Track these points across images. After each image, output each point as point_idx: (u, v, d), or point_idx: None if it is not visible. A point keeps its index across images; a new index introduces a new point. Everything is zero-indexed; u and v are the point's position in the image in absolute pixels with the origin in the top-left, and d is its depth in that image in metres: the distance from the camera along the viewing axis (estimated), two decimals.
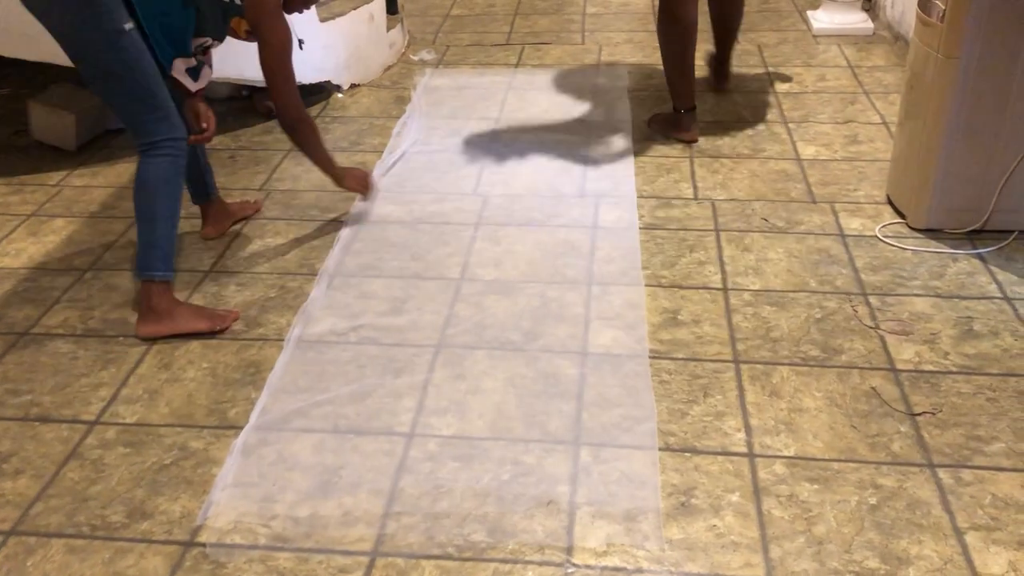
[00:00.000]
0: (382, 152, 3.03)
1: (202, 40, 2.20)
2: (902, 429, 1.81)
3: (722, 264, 2.37)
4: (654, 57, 3.79)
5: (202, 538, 1.61)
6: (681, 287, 2.28)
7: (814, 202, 2.66)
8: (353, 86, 3.56)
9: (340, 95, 3.50)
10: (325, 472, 1.74)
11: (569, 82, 3.55)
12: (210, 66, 2.28)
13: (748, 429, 1.82)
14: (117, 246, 2.53)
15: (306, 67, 3.33)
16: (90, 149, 3.13)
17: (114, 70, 1.98)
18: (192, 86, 2.22)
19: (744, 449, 1.77)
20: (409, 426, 1.85)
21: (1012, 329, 2.09)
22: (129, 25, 1.96)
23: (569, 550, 1.56)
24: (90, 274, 2.41)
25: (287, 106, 2.31)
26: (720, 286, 2.28)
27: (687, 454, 1.76)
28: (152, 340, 2.12)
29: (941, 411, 1.85)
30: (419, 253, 2.44)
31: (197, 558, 1.57)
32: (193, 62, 2.19)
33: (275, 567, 1.55)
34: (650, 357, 2.03)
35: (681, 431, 1.82)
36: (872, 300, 2.21)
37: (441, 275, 2.34)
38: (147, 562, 1.57)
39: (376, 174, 2.78)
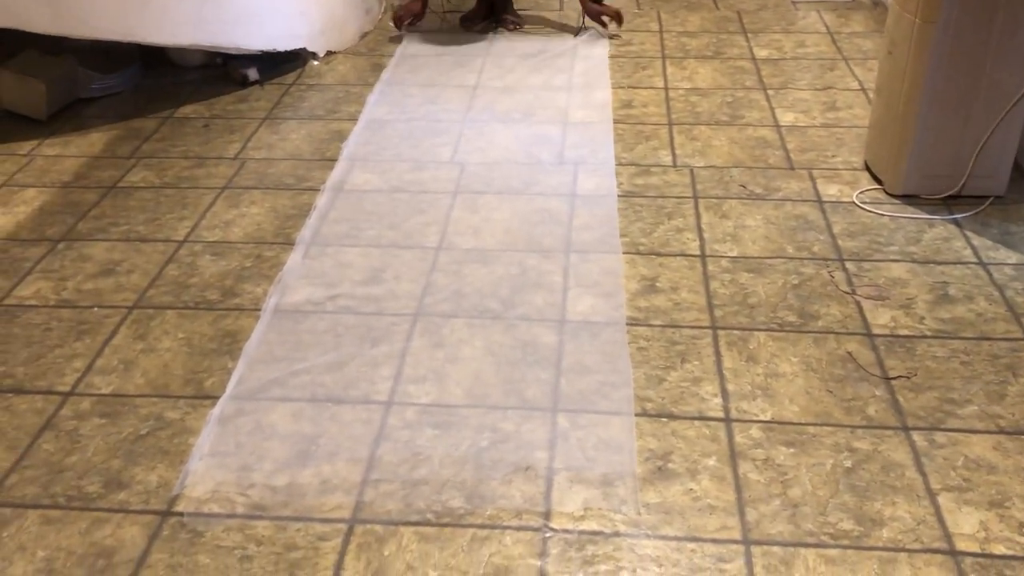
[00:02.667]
0: (358, 120, 3.00)
1: None
2: (877, 393, 1.83)
3: (700, 231, 2.37)
4: (634, 23, 3.77)
5: (179, 507, 1.60)
6: (659, 254, 2.28)
7: (792, 169, 2.66)
8: (329, 53, 3.52)
9: (316, 62, 3.46)
10: (303, 441, 1.74)
11: (548, 48, 3.52)
12: None
13: (725, 394, 1.83)
14: (90, 216, 2.50)
15: (281, 34, 3.29)
16: (61, 118, 3.08)
17: None
18: None
19: (721, 414, 1.78)
20: (387, 395, 1.84)
21: (986, 294, 2.10)
22: None
23: (547, 515, 1.57)
24: (63, 244, 2.38)
25: None
26: (698, 253, 2.28)
27: (664, 419, 1.77)
28: (128, 308, 2.10)
29: (916, 375, 1.87)
30: (396, 222, 2.43)
31: (175, 527, 1.57)
32: None
33: (253, 535, 1.55)
34: (627, 324, 2.03)
35: (658, 397, 1.83)
36: (849, 266, 2.22)
37: (419, 244, 2.33)
38: (124, 532, 1.56)
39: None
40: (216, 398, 1.84)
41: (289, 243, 2.35)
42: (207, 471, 1.68)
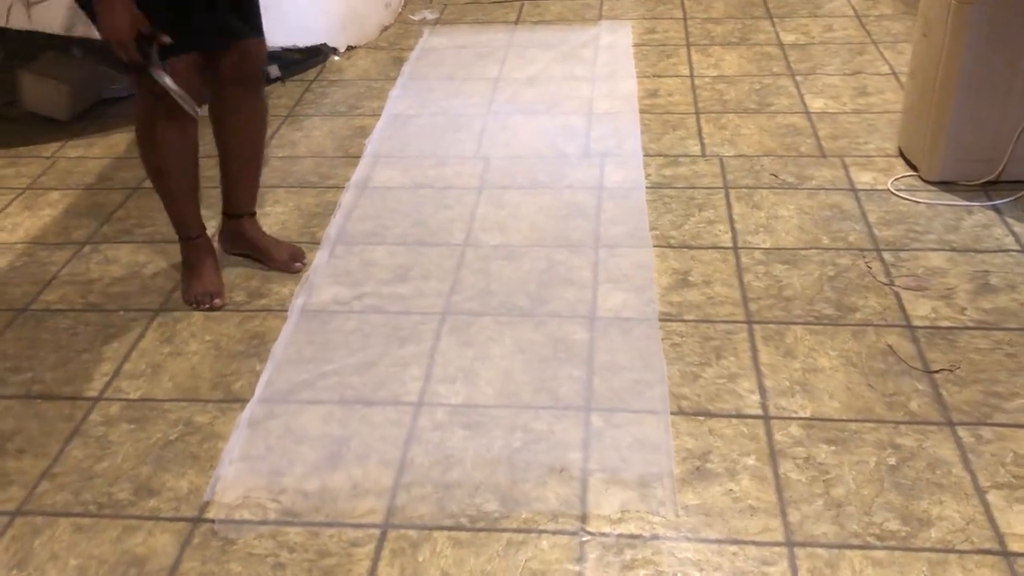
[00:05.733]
0: (380, 116, 2.96)
1: None
2: (920, 387, 1.78)
3: (732, 222, 2.32)
4: (657, 10, 3.71)
5: (210, 514, 1.58)
6: (690, 247, 2.24)
7: (824, 156, 2.60)
8: (350, 48, 3.49)
9: (336, 58, 3.43)
10: (333, 444, 1.71)
11: (570, 38, 3.48)
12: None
13: (763, 391, 1.79)
14: (114, 219, 2.49)
15: (301, 29, 3.26)
16: (84, 119, 3.07)
17: None
18: None
19: (759, 411, 1.74)
20: (417, 395, 1.81)
21: None
22: None
23: (583, 518, 1.54)
24: (88, 247, 2.37)
25: None
26: (730, 245, 2.24)
27: (700, 418, 1.73)
28: (154, 311, 2.08)
29: (959, 368, 1.82)
30: (421, 219, 2.40)
31: (206, 534, 1.55)
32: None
33: (285, 542, 1.52)
34: (660, 320, 1.99)
35: (694, 394, 1.79)
36: (886, 256, 2.17)
37: (445, 241, 2.30)
38: (156, 539, 1.54)
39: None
40: (245, 401, 1.82)
41: (315, 242, 2.32)
42: (237, 476, 1.66)
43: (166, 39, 1.83)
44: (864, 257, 2.17)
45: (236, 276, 2.21)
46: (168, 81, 1.86)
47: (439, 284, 2.14)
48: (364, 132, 2.87)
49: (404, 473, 1.64)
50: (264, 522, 1.56)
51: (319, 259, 2.25)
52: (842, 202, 2.38)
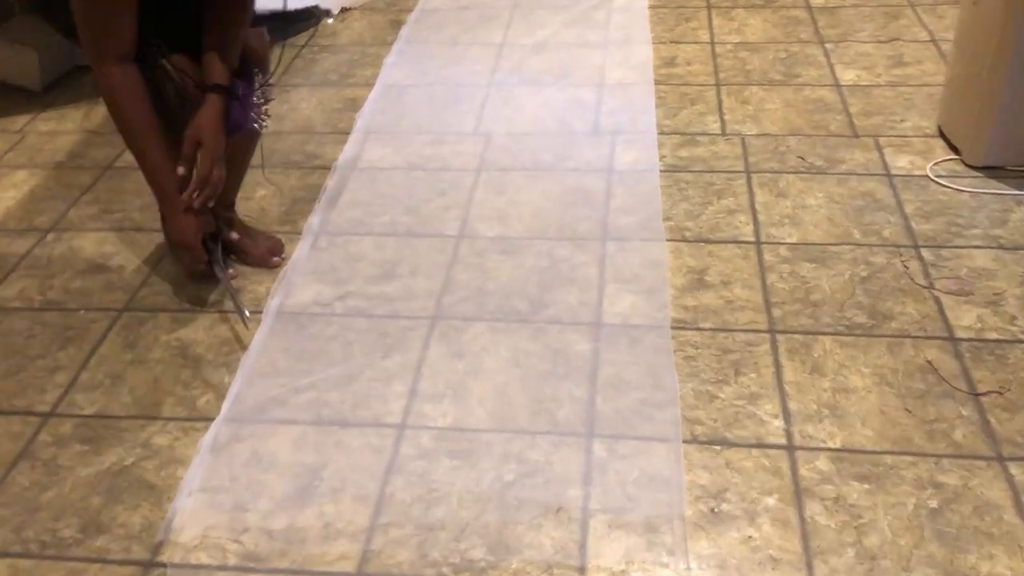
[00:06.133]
0: (373, 86, 2.74)
1: None
2: (964, 412, 1.58)
3: (754, 212, 2.11)
4: None
5: (164, 556, 1.41)
6: (708, 241, 2.03)
7: (856, 136, 2.37)
8: (344, 10, 3.25)
9: (330, 20, 3.20)
10: (305, 473, 1.53)
11: (581, 1, 3.22)
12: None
13: (787, 415, 1.59)
14: (82, 202, 2.29)
15: None
16: (57, 88, 2.86)
17: None
18: None
19: (783, 440, 1.55)
20: (400, 415, 1.63)
21: None
22: None
23: (582, 569, 1.36)
24: (52, 235, 2.18)
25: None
26: (752, 239, 2.02)
27: (716, 447, 1.54)
28: (118, 311, 1.90)
29: (1009, 390, 1.61)
30: (413, 205, 2.19)
31: None
32: None
33: None
34: (672, 327, 1.79)
35: (709, 418, 1.59)
36: (925, 253, 1.95)
37: (438, 232, 2.10)
38: None
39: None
40: (209, 420, 1.65)
41: (296, 232, 2.13)
42: (196, 511, 1.48)
43: (233, 235, 1.90)
44: (900, 255, 1.95)
45: None
46: (231, 284, 1.88)
47: (429, 283, 1.94)
48: (355, 104, 2.65)
49: (382, 511, 1.46)
50: (223, 567, 1.39)
51: (299, 252, 2.05)
52: (876, 189, 2.16)
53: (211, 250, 1.83)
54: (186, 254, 1.79)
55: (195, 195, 1.73)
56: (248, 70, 1.81)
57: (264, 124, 1.88)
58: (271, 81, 1.94)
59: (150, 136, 1.71)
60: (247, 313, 1.84)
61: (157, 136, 1.71)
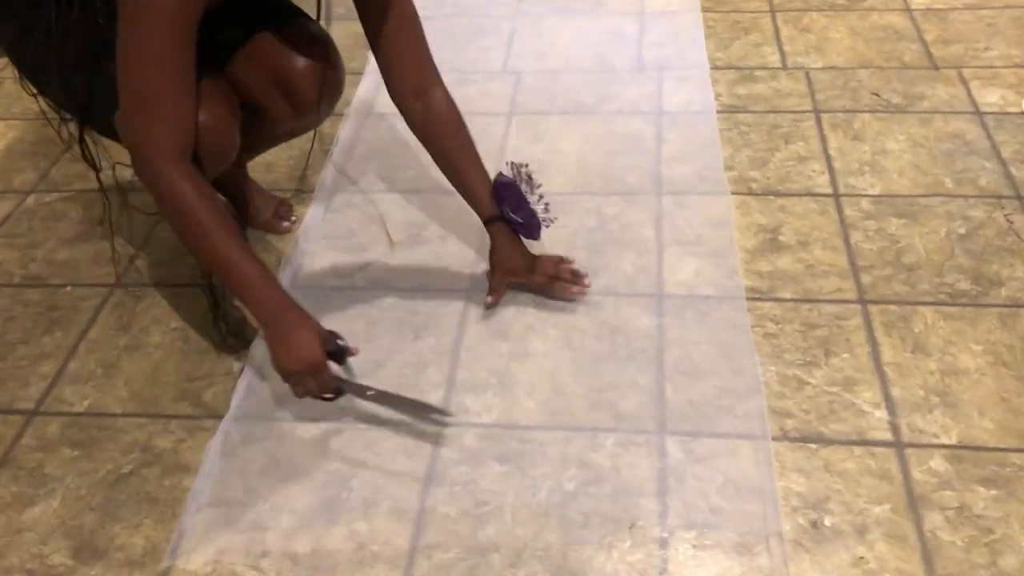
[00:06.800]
0: None
1: None
2: None
3: (828, 159, 1.85)
4: None
5: None
6: (778, 194, 1.78)
7: (935, 68, 2.10)
8: None
9: None
10: (331, 483, 1.32)
11: None
12: None
13: (890, 404, 1.36)
14: (65, 159, 2.04)
15: None
16: None
17: None
18: None
19: (888, 435, 1.32)
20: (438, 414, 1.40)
21: None
22: None
23: None
24: (32, 198, 1.94)
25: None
26: (829, 191, 1.77)
27: (812, 445, 1.32)
28: (109, 287, 1.67)
29: None
30: None
31: None
32: None
33: None
34: (747, 298, 1.55)
35: (800, 410, 1.37)
36: None
37: None
38: None
39: None
40: (218, 417, 1.42)
41: (306, 190, 1.88)
42: (207, 530, 1.27)
43: (355, 350, 1.35)
44: (1002, 207, 1.70)
45: None
46: (389, 393, 1.36)
47: (462, 249, 1.70)
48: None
49: (424, 529, 1.25)
50: None
51: (312, 216, 1.81)
52: (965, 130, 1.90)
53: (341, 362, 1.34)
54: (310, 379, 1.28)
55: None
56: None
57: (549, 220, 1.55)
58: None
59: (232, 233, 1.24)
60: (442, 413, 1.38)
61: (236, 229, 1.26)
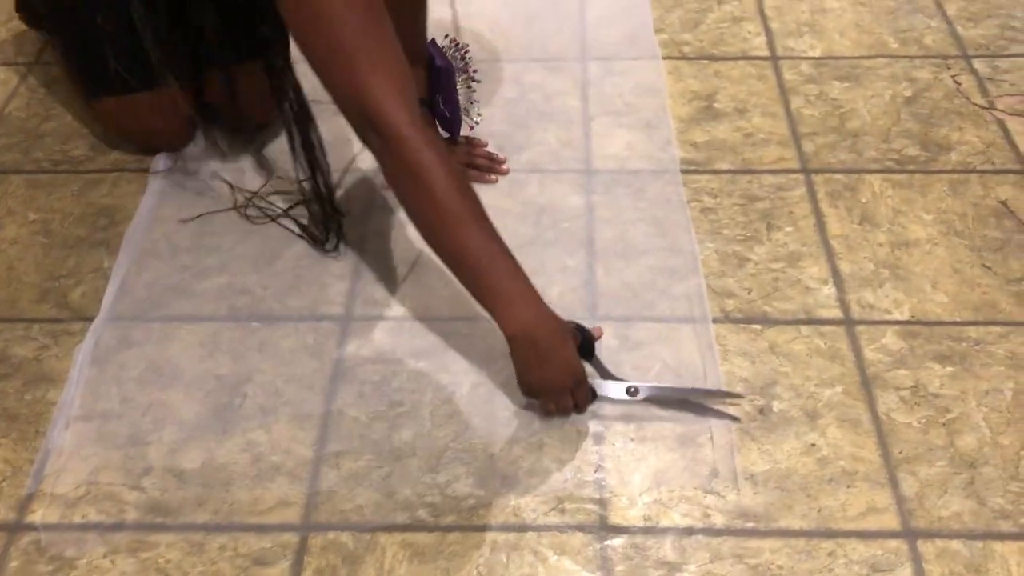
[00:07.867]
0: None
1: None
2: None
3: (764, 19, 1.70)
4: None
5: (35, 515, 1.04)
6: (713, 58, 1.63)
7: None
8: None
9: None
10: (222, 389, 1.15)
11: None
12: None
13: (838, 279, 1.26)
14: None
15: None
16: None
17: None
18: None
19: (838, 313, 1.22)
20: (343, 304, 1.25)
21: None
22: None
23: (603, 504, 1.04)
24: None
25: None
26: (767, 53, 1.63)
27: (757, 326, 1.20)
28: None
29: None
30: None
31: (28, 550, 1.01)
32: None
33: (151, 561, 1.00)
34: (683, 171, 1.42)
35: (742, 289, 1.25)
36: (978, 65, 1.59)
37: None
38: None
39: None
40: (88, 320, 1.24)
41: None
42: (77, 449, 1.10)
43: (599, 331, 1.14)
44: (949, 68, 1.59)
45: (76, 117, 1.54)
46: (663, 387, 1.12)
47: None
48: None
49: (330, 436, 1.10)
50: (119, 526, 1.03)
51: None
52: None
53: (590, 356, 1.11)
54: (569, 395, 1.07)
55: None
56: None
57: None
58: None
59: (484, 223, 1.06)
60: (734, 396, 1.12)
61: (484, 212, 1.06)
